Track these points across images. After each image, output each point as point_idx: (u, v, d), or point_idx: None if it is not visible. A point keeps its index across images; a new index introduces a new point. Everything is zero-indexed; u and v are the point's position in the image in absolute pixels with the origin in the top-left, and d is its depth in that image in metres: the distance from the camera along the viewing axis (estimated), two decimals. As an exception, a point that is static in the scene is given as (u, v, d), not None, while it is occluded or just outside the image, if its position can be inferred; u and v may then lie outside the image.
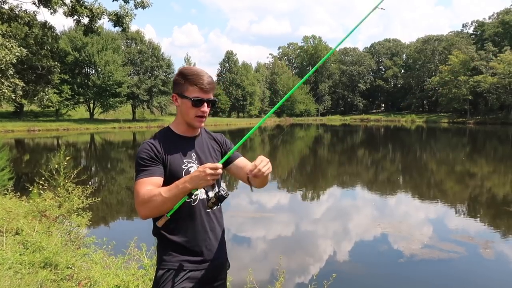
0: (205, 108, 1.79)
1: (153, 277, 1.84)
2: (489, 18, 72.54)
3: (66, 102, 44.03)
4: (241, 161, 1.94)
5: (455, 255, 6.26)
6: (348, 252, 6.59)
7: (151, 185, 1.67)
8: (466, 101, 58.39)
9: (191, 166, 1.80)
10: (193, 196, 1.77)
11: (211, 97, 1.82)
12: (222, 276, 1.92)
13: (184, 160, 1.79)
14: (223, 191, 1.69)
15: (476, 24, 74.59)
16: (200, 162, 1.83)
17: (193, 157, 1.83)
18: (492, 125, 51.15)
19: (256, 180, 1.75)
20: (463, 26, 78.29)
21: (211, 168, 1.56)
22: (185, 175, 1.73)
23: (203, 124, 1.83)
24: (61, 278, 3.68)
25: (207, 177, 1.55)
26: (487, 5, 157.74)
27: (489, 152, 23.04)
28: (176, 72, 1.92)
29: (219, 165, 1.59)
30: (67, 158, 5.83)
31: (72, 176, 5.64)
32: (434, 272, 5.58)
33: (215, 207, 1.76)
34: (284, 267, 4.02)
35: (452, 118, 61.57)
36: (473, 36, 73.19)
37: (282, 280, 3.82)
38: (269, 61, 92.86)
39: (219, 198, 1.68)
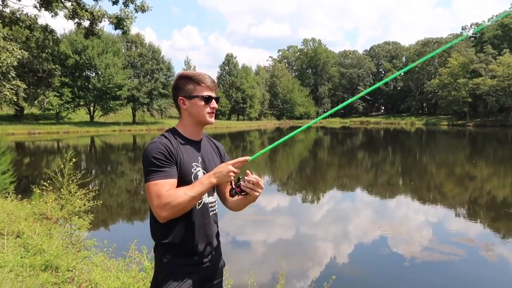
0: (215, 104, 1.85)
1: (151, 280, 1.84)
2: (489, 21, 72.63)
3: (67, 105, 44.09)
4: None
5: (456, 258, 6.27)
6: (348, 254, 6.59)
7: (169, 187, 1.66)
8: (465, 104, 58.49)
9: (199, 170, 1.80)
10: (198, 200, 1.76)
11: (215, 95, 1.87)
12: (220, 274, 1.95)
13: (193, 164, 1.79)
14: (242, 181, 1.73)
15: (476, 27, 74.75)
16: (205, 167, 1.83)
17: (199, 161, 1.83)
18: (491, 128, 51.21)
19: (242, 199, 1.82)
20: (462, 29, 78.41)
21: (233, 165, 1.67)
22: (193, 179, 1.75)
23: (214, 120, 1.87)
24: (62, 281, 3.69)
25: (230, 173, 1.66)
26: (486, 7, 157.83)
27: (488, 154, 23.05)
28: (176, 77, 1.93)
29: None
30: (74, 160, 5.84)
31: (77, 179, 5.66)
32: (434, 274, 5.58)
33: (237, 196, 1.81)
34: (284, 269, 4.02)
35: (451, 121, 61.58)
36: (473, 38, 73.34)
37: (283, 283, 3.82)
38: (269, 64, 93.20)
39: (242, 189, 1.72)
